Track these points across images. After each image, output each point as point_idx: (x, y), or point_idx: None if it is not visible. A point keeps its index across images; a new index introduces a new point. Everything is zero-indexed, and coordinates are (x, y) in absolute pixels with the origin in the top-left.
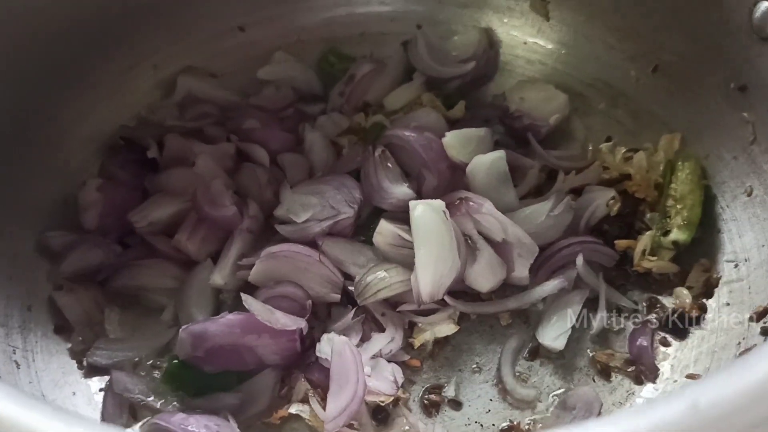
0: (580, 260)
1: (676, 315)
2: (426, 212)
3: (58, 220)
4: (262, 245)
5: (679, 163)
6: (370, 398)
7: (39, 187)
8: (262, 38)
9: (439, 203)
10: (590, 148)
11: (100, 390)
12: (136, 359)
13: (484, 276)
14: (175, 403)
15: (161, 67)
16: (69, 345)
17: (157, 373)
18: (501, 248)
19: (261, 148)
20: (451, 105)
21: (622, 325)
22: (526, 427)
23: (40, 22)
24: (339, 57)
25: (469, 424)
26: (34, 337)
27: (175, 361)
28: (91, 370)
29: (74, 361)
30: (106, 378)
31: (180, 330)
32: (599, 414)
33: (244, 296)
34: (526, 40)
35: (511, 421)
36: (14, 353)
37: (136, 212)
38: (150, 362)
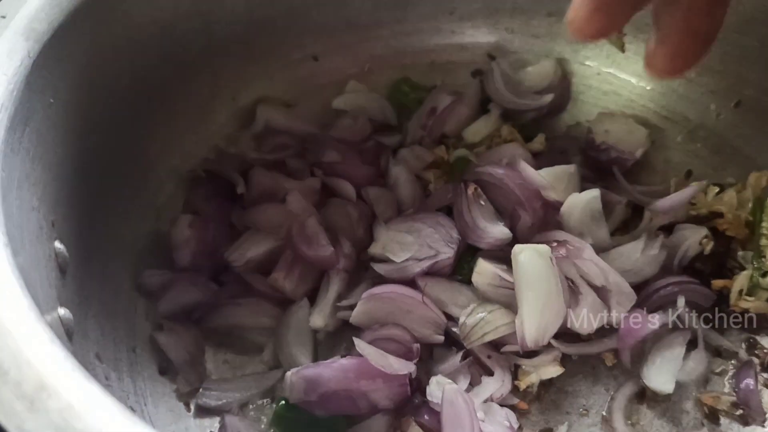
0: (681, 301)
1: None
2: (532, 258)
3: (151, 257)
4: (355, 283)
5: None
6: None
7: (131, 224)
8: (335, 68)
9: (545, 248)
10: (673, 184)
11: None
12: (244, 401)
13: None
14: None
15: (238, 98)
16: (175, 386)
17: (264, 416)
18: (600, 292)
19: (347, 183)
20: (527, 136)
21: (722, 368)
22: None
23: (129, 60)
24: (412, 87)
25: None
26: (142, 380)
27: (282, 402)
28: (201, 412)
29: (182, 404)
30: (215, 419)
31: (290, 374)
32: None
33: (357, 341)
34: (600, 70)
35: None
36: (128, 398)
37: (233, 250)
38: (256, 404)
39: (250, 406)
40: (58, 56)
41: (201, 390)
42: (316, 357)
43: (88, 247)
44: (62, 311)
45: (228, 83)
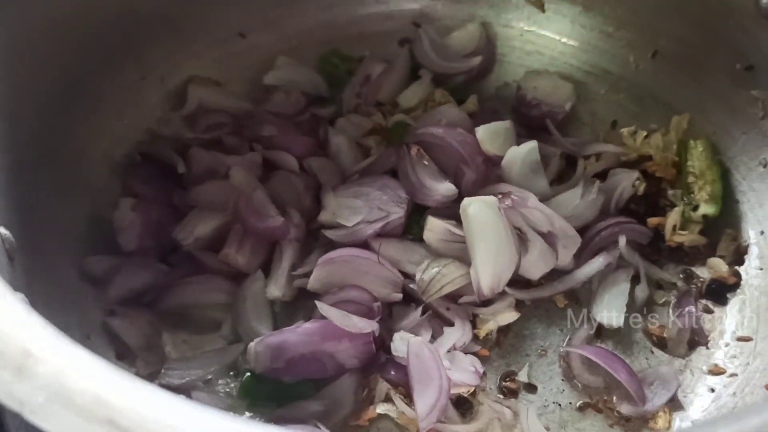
0: (622, 240)
1: (714, 284)
2: (481, 209)
3: (92, 244)
4: (307, 252)
5: (691, 141)
6: (453, 391)
7: (68, 211)
8: (263, 43)
9: (492, 200)
10: (600, 133)
11: None
12: (208, 377)
13: (536, 265)
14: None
15: (168, 79)
16: (134, 369)
17: (230, 390)
18: (547, 238)
19: (288, 155)
20: (458, 99)
21: (664, 299)
22: (603, 402)
23: (55, 42)
24: (341, 58)
25: (547, 405)
26: None
27: (248, 374)
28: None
29: None
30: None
31: (254, 344)
32: (676, 390)
33: (319, 304)
34: (522, 31)
35: (586, 398)
36: None
37: (180, 229)
38: (221, 379)
39: (217, 382)
40: None
41: (163, 370)
42: (276, 327)
43: (30, 236)
44: (20, 295)
45: (155, 65)
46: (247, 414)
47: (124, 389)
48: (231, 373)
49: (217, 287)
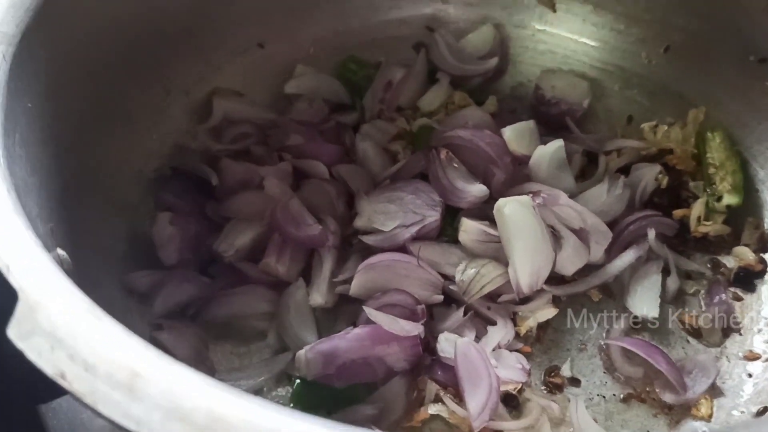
0: (651, 233)
1: (742, 272)
2: (516, 209)
3: (133, 260)
4: (343, 258)
5: (708, 133)
6: (501, 388)
7: (108, 228)
8: (281, 53)
9: (526, 199)
10: (618, 129)
11: None
12: (259, 387)
13: (570, 261)
14: None
15: (192, 92)
16: None
17: (279, 398)
18: (580, 234)
19: (318, 163)
20: (477, 101)
21: (695, 289)
22: (647, 392)
23: (89, 59)
24: (359, 65)
25: (592, 398)
26: None
27: (299, 381)
28: None
29: None
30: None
31: (304, 352)
32: (716, 378)
33: (367, 309)
34: (534, 32)
35: (629, 389)
36: None
37: (221, 241)
38: (271, 388)
39: (267, 391)
40: (29, 58)
41: None
42: (320, 334)
43: (75, 256)
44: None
45: (179, 79)
46: None
47: (234, 403)
48: (281, 382)
49: (259, 297)
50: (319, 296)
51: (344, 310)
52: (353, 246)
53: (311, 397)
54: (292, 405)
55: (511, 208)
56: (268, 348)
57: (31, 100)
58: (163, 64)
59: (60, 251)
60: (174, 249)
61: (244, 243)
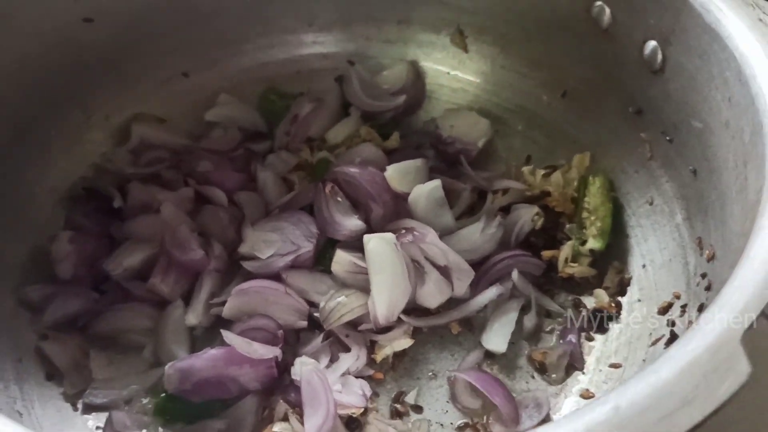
0: (515, 274)
1: (597, 313)
2: (379, 245)
3: (33, 273)
4: (229, 280)
5: (590, 177)
6: (343, 412)
7: (12, 244)
8: (205, 82)
9: (390, 236)
10: (513, 167)
11: (97, 428)
12: (129, 397)
13: (432, 295)
14: None
15: (113, 117)
16: (62, 389)
17: (148, 411)
18: (444, 271)
19: (218, 190)
20: (385, 134)
21: (551, 327)
22: (481, 424)
23: (2, 90)
24: (278, 95)
25: (431, 425)
26: (28, 386)
27: (163, 395)
28: (88, 409)
29: (69, 404)
30: (101, 414)
31: (167, 367)
32: (548, 412)
33: (224, 332)
34: (448, 71)
35: (467, 419)
36: (15, 404)
37: (111, 260)
38: (141, 398)
39: (137, 403)
40: None
41: (88, 390)
42: (194, 351)
43: None
44: None
45: (101, 105)
46: (161, 430)
47: None
48: (153, 394)
49: (142, 314)
50: (193, 317)
51: (220, 330)
52: (240, 270)
53: (171, 410)
54: (154, 415)
55: (374, 244)
56: (144, 362)
57: None
58: (84, 93)
59: None
60: (70, 265)
61: (133, 263)
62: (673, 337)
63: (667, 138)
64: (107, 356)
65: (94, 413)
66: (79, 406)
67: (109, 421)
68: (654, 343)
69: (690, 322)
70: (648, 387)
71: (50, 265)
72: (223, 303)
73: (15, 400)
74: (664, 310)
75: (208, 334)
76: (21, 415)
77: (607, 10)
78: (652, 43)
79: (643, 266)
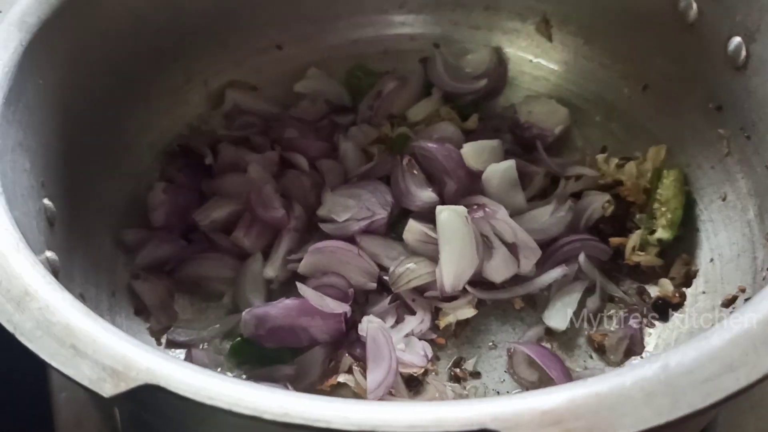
0: (582, 256)
1: (660, 301)
2: (451, 216)
3: (130, 218)
4: (307, 240)
5: (665, 171)
6: (404, 370)
7: (113, 189)
8: (297, 55)
9: (461, 209)
10: (588, 156)
11: None
12: (208, 339)
13: (498, 270)
14: (243, 376)
15: (210, 82)
16: (148, 325)
17: (223, 349)
18: (511, 248)
19: (302, 157)
20: (465, 117)
21: (613, 311)
22: None
23: (110, 48)
24: (365, 72)
25: (487, 392)
26: (120, 319)
27: (239, 338)
28: (170, 345)
29: (153, 339)
30: (181, 352)
31: (244, 312)
32: None
33: (299, 285)
34: (531, 58)
35: (522, 389)
36: None
37: (200, 212)
38: (218, 340)
39: (215, 343)
40: (46, 45)
41: (172, 328)
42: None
43: (74, 206)
44: (50, 254)
45: (200, 70)
46: (232, 373)
47: (88, 325)
48: (229, 337)
49: (225, 263)
50: (271, 270)
51: (295, 286)
52: (317, 232)
53: (244, 352)
54: (229, 356)
55: (446, 215)
56: (223, 308)
57: (43, 77)
58: (186, 57)
59: (46, 201)
60: (162, 213)
61: (220, 216)
62: None
63: (746, 135)
64: (191, 299)
65: (175, 349)
66: (162, 341)
67: (188, 357)
68: None
69: None
70: (697, 350)
71: (145, 212)
72: (300, 260)
73: None
74: (728, 302)
75: (283, 288)
76: None
77: (695, 5)
78: (736, 39)
79: (711, 260)
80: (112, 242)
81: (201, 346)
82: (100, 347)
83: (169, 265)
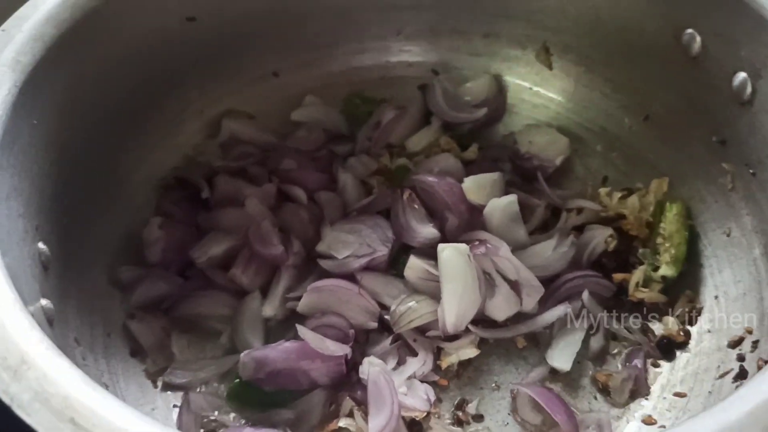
0: (586, 294)
1: (664, 340)
2: (453, 255)
3: (125, 255)
4: (305, 277)
5: (668, 204)
6: (407, 414)
7: (108, 226)
8: (294, 83)
9: (464, 247)
10: (590, 187)
11: (174, 406)
12: (205, 380)
13: (500, 308)
14: (242, 420)
15: (206, 112)
16: (144, 367)
17: (221, 393)
18: (514, 285)
19: (300, 189)
20: (464, 145)
21: (617, 350)
22: None
23: (104, 84)
24: (363, 99)
25: None
26: (115, 361)
27: (237, 380)
28: (167, 388)
29: (149, 381)
30: (178, 394)
31: (243, 354)
32: None
33: (299, 327)
34: (531, 86)
35: None
36: (102, 376)
37: (197, 249)
38: (215, 382)
39: (213, 385)
40: (40, 85)
41: (169, 369)
42: (267, 342)
43: (69, 247)
44: (44, 302)
45: (196, 99)
46: (233, 415)
47: (87, 395)
48: (226, 379)
49: (222, 301)
50: (270, 308)
51: (295, 324)
52: (316, 268)
53: (243, 396)
54: (227, 399)
55: (448, 254)
56: (221, 347)
57: (38, 118)
58: (181, 87)
59: (41, 245)
60: (158, 250)
61: (217, 252)
62: (742, 372)
63: (751, 171)
64: (188, 339)
65: (172, 392)
66: (159, 383)
67: (185, 401)
68: (722, 377)
69: (762, 360)
70: (717, 425)
71: (141, 249)
72: (299, 298)
73: (102, 372)
74: (734, 344)
75: (281, 327)
76: (107, 387)
77: (698, 39)
78: (741, 75)
79: (716, 297)
80: (107, 281)
81: (198, 389)
82: (99, 421)
83: (166, 304)
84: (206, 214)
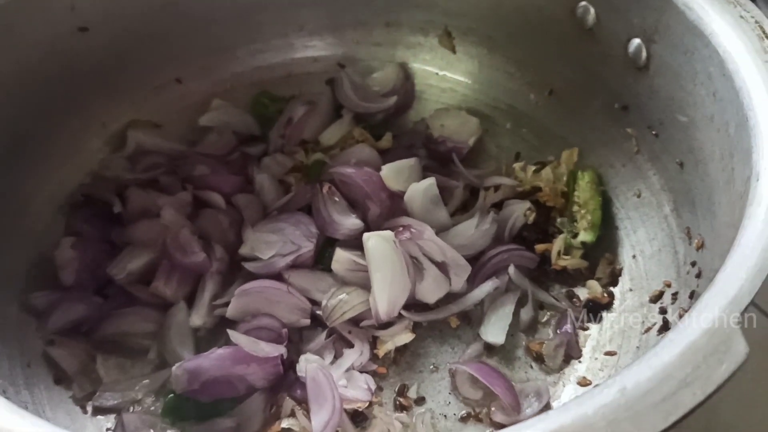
0: (511, 268)
1: (590, 303)
2: (378, 243)
3: (37, 280)
4: (231, 282)
5: (579, 172)
6: (349, 406)
7: (14, 252)
8: (199, 88)
9: (389, 234)
10: (504, 164)
11: (107, 429)
12: (137, 399)
13: (431, 291)
14: None
15: (109, 124)
16: (71, 393)
17: (155, 408)
18: (441, 266)
19: (216, 194)
20: (378, 135)
21: (547, 318)
22: (484, 413)
23: None
24: (271, 98)
25: (434, 416)
26: (38, 390)
27: (171, 395)
28: (97, 411)
29: (78, 407)
30: (111, 416)
31: (174, 367)
32: (548, 401)
33: (230, 332)
34: (437, 71)
35: (468, 409)
36: (27, 408)
37: (114, 265)
38: (149, 399)
39: (146, 402)
40: None
41: (97, 393)
42: (198, 352)
43: None
44: None
45: (97, 113)
46: (170, 431)
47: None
48: (160, 395)
49: (146, 317)
50: (197, 318)
51: (226, 331)
52: (241, 272)
53: (179, 410)
54: (163, 415)
55: (374, 242)
56: (150, 364)
57: None
58: (79, 101)
59: None
60: (72, 271)
61: (137, 267)
62: (666, 325)
63: (653, 132)
64: (114, 359)
65: (103, 415)
66: (89, 408)
67: (119, 423)
68: (647, 331)
69: (682, 309)
70: (650, 369)
71: (53, 272)
72: (226, 304)
73: (26, 404)
74: (655, 298)
75: (211, 335)
76: None
77: (592, 10)
78: (636, 41)
79: (633, 257)
80: (19, 309)
81: (131, 409)
82: None
83: (86, 326)
84: (120, 229)
